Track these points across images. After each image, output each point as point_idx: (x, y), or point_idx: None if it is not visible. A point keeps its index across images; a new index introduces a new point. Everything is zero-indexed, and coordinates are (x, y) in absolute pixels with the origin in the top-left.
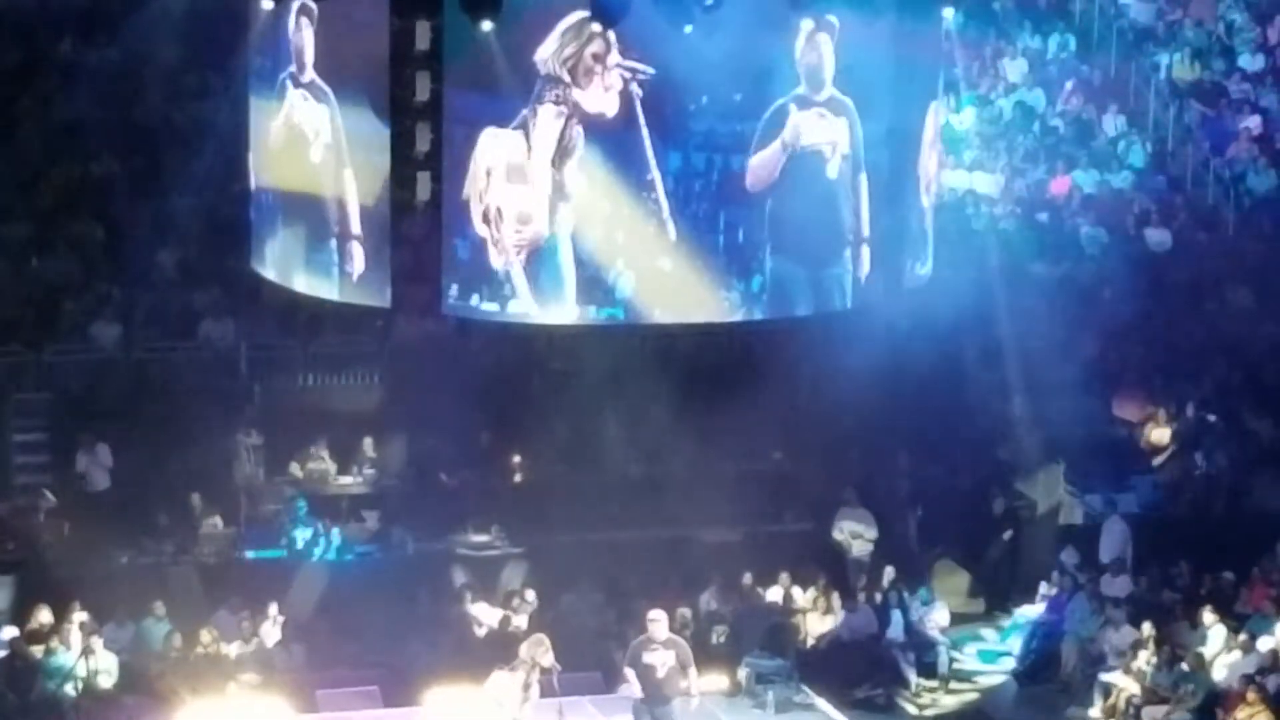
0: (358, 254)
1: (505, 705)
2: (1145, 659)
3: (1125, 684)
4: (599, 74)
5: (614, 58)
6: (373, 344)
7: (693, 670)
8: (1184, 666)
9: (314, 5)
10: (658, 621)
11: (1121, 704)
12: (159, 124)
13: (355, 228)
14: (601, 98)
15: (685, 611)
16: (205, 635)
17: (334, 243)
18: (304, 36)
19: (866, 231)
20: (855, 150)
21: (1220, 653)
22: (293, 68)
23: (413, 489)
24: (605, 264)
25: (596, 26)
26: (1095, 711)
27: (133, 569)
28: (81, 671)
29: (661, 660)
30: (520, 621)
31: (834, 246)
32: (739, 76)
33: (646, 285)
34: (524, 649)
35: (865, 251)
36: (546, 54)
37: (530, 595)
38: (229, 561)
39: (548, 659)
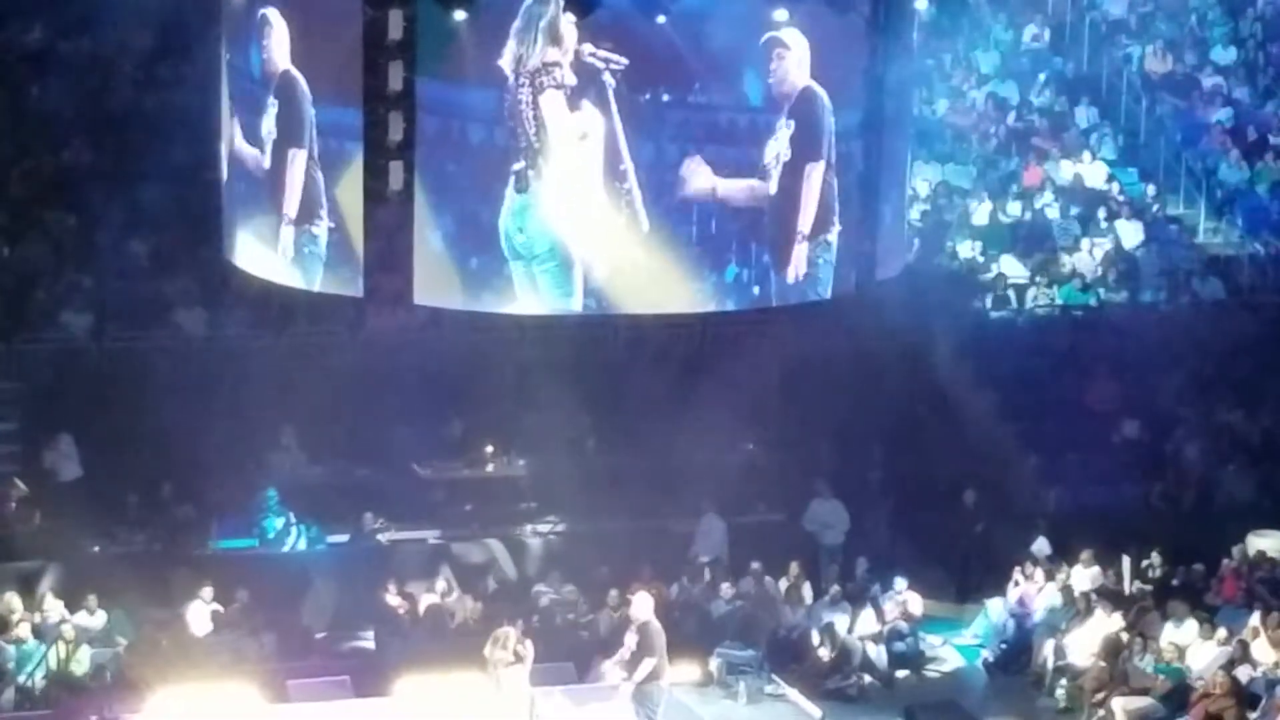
0: (330, 244)
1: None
2: (1116, 650)
3: (1096, 675)
4: (558, 74)
5: (587, 48)
6: (345, 333)
7: (650, 660)
8: (1155, 657)
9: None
10: (634, 603)
11: (1092, 695)
12: (131, 112)
13: (327, 218)
14: (559, 101)
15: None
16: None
17: (306, 232)
18: (274, 26)
19: (839, 224)
20: (829, 143)
21: (1191, 644)
22: (265, 56)
23: (385, 479)
24: (578, 254)
25: (545, 23)
26: (1066, 702)
27: (104, 558)
28: (52, 660)
29: (626, 643)
30: (491, 611)
31: (806, 238)
32: (713, 67)
33: (619, 276)
34: (487, 650)
35: (839, 243)
36: (507, 60)
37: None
38: (200, 551)
39: (510, 650)
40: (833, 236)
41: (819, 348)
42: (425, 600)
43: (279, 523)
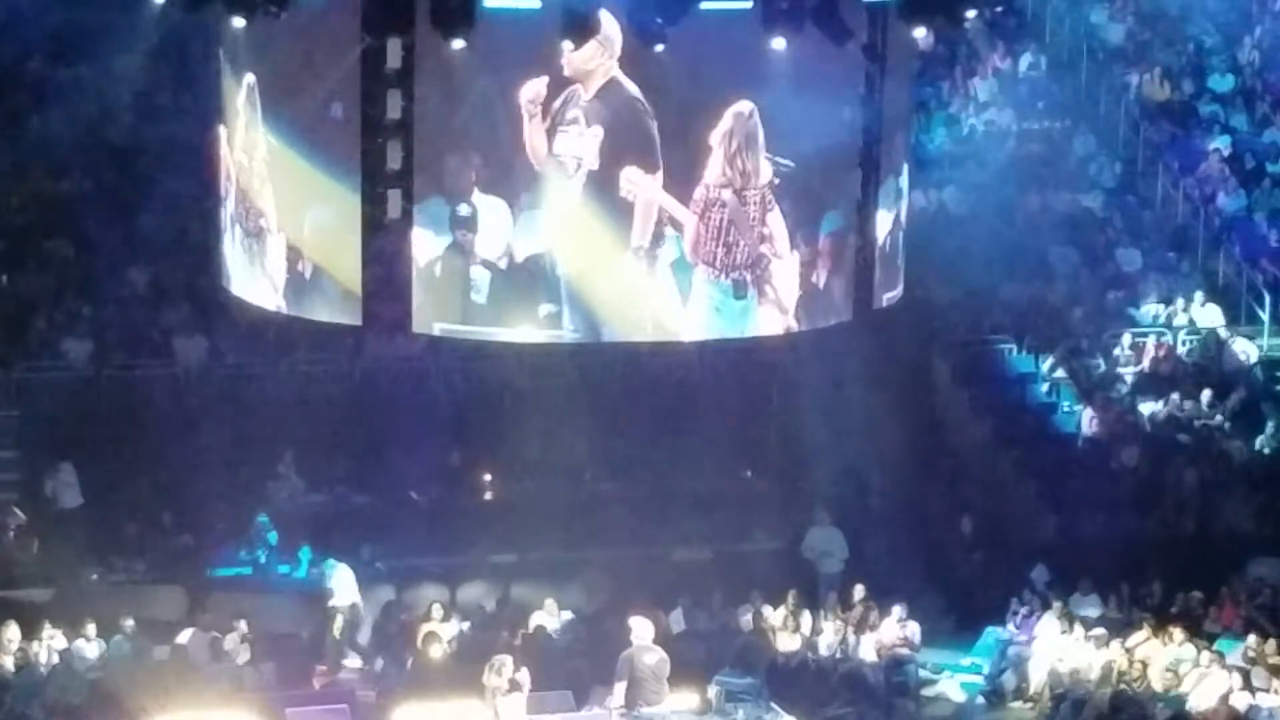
0: (328, 272)
1: None
2: (1116, 678)
3: (1095, 704)
4: (553, 100)
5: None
6: (343, 362)
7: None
8: (1154, 685)
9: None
10: (644, 626)
11: None
12: (130, 141)
13: (326, 246)
14: (555, 127)
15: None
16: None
17: (304, 261)
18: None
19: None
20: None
21: (1190, 672)
22: (264, 85)
23: (383, 507)
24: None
25: (538, 49)
26: None
27: (103, 586)
28: (51, 689)
29: (650, 662)
30: (489, 638)
31: (804, 265)
32: (709, 94)
33: (613, 303)
34: (485, 677)
35: (837, 270)
36: (501, 87)
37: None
38: (199, 579)
39: (506, 678)
40: (831, 264)
41: (816, 375)
42: (423, 628)
43: (270, 548)
